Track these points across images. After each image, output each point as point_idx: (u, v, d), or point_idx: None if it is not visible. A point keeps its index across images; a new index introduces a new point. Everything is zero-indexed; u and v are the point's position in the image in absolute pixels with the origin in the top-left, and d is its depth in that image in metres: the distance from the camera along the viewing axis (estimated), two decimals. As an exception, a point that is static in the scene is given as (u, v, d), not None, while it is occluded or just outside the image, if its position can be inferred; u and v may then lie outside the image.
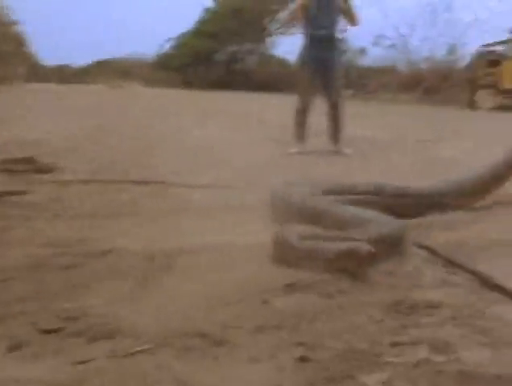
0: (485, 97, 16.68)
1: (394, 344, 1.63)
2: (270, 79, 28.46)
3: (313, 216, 2.91)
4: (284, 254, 2.43)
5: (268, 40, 33.05)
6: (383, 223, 2.73)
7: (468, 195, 3.65)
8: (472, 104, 16.89)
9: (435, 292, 2.06)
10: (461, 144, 7.08)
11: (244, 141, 7.15)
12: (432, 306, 1.91)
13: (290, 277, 2.18)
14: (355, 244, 2.28)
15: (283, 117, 10.84)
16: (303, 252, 2.37)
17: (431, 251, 2.58)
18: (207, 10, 31.67)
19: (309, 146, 6.23)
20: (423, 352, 1.59)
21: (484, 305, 1.98)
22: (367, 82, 23.27)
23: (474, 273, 2.25)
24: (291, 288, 2.07)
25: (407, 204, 3.42)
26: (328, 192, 3.43)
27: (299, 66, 6.35)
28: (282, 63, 31.38)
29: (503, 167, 3.80)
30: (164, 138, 7.16)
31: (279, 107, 14.35)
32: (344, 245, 2.30)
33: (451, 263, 2.41)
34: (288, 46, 34.22)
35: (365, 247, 2.23)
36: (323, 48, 6.04)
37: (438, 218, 3.35)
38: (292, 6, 6.60)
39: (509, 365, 1.54)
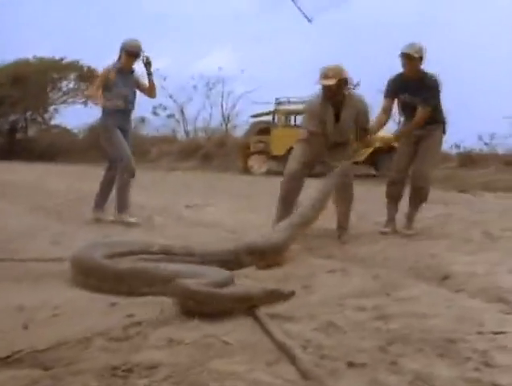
0: (257, 163, 17.75)
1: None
2: (51, 148, 27.70)
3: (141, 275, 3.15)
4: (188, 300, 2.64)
5: (50, 109, 32.26)
6: (217, 272, 3.18)
7: (259, 255, 3.99)
8: (245, 170, 17.84)
9: (158, 352, 2.07)
10: (225, 207, 7.42)
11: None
12: (150, 367, 1.92)
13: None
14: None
15: (62, 185, 10.57)
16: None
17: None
18: (-15, 76, 30.03)
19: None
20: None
21: (205, 360, 2.03)
22: (149, 150, 23.56)
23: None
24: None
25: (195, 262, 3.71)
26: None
27: (105, 132, 6.11)
28: (64, 132, 30.72)
29: (286, 237, 4.25)
30: None
31: (59, 176, 13.96)
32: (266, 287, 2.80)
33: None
34: (70, 115, 33.73)
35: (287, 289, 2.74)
36: (124, 120, 6.08)
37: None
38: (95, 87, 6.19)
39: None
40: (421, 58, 5.10)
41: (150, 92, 6.25)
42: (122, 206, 6.00)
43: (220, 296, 2.71)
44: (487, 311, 2.83)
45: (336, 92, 4.86)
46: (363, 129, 5.15)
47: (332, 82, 4.77)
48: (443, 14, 36.92)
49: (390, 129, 6.43)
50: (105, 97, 5.93)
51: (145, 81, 6.18)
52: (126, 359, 1.97)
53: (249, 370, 1.92)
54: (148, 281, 3.09)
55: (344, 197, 5.08)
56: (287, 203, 5.06)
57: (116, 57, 6.05)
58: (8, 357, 2.08)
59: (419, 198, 5.33)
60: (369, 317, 2.66)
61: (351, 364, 2.02)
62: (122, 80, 5.98)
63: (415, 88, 5.14)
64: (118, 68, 5.97)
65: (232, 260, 3.83)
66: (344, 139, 5.11)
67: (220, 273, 3.20)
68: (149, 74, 6.11)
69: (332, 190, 4.91)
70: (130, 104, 6.13)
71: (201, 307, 2.61)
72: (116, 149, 6.03)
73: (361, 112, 5.05)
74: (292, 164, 5.11)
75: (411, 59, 5.05)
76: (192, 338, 2.26)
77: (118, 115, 6.01)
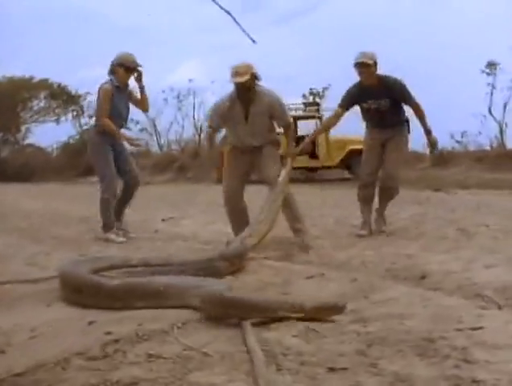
0: (231, 172, 17.69)
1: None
2: (25, 168, 27.31)
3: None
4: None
5: (22, 129, 31.85)
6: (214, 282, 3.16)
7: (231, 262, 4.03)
8: (220, 180, 17.76)
9: (137, 368, 2.06)
10: (200, 219, 7.41)
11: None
12: (130, 384, 1.90)
13: None
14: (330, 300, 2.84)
15: (37, 205, 10.45)
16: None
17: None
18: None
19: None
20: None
21: (185, 373, 2.02)
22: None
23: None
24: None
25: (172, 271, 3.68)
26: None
27: (94, 148, 6.00)
28: (37, 151, 30.32)
29: (246, 246, 4.35)
30: None
31: (34, 196, 13.79)
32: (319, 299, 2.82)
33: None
34: (42, 133, 33.24)
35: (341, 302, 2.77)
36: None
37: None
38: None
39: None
40: (375, 63, 5.22)
41: (144, 105, 6.17)
42: (106, 225, 5.97)
43: (271, 304, 2.72)
44: (464, 308, 2.86)
45: (250, 88, 4.92)
46: (284, 124, 5.18)
47: (245, 78, 4.84)
48: (416, 14, 37.24)
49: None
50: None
51: (137, 95, 6.13)
52: (106, 378, 1.96)
53: (229, 381, 1.91)
54: (142, 296, 3.05)
55: (285, 202, 5.05)
56: (235, 215, 5.23)
57: (104, 73, 5.94)
58: (-15, 383, 2.04)
59: (386, 196, 5.52)
60: (348, 320, 2.67)
61: (331, 369, 2.03)
62: (118, 96, 5.89)
63: (379, 92, 5.26)
64: (116, 86, 5.86)
65: (209, 268, 3.82)
66: (262, 141, 5.10)
67: (219, 283, 3.15)
68: (141, 87, 6.03)
69: (279, 202, 4.90)
70: (124, 120, 6.07)
71: (242, 315, 2.62)
72: (100, 169, 5.99)
73: (274, 104, 5.04)
74: (225, 178, 5.32)
75: (367, 66, 5.17)
76: (170, 353, 2.24)
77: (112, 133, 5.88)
